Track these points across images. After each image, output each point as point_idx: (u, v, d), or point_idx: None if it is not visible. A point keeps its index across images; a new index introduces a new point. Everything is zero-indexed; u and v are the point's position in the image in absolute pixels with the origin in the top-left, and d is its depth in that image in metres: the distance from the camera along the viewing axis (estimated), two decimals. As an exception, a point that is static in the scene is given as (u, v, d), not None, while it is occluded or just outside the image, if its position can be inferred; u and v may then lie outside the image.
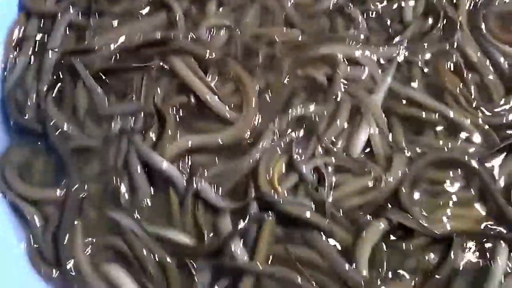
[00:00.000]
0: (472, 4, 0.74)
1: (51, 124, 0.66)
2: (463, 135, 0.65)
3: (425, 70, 0.69)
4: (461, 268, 0.58)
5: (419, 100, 0.67)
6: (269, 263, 0.58)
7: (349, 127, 0.65)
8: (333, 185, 0.62)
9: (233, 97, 0.68)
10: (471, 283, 0.57)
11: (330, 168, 0.62)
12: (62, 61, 0.69)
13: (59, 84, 0.69)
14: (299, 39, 0.71)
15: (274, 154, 0.63)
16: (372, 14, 0.73)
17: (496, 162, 0.63)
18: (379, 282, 0.57)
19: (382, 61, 0.69)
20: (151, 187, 0.62)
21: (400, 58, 0.69)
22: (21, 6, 0.75)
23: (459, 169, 0.63)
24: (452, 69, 0.69)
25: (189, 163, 0.63)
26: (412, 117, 0.66)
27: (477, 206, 0.62)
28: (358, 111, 0.66)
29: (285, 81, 0.68)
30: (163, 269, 0.59)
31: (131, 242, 0.59)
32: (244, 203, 0.60)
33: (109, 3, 0.74)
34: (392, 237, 0.60)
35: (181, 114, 0.66)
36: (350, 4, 0.73)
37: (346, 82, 0.68)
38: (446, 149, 0.64)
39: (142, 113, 0.66)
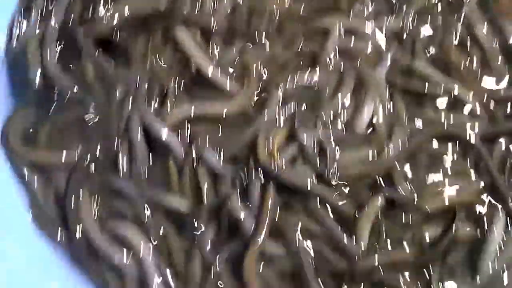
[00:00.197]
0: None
1: (58, 89, 0.66)
2: (466, 110, 0.65)
3: (430, 45, 0.69)
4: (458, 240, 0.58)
5: (424, 72, 0.66)
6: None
7: (354, 102, 0.65)
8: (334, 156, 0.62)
9: (235, 65, 0.67)
10: (467, 254, 0.58)
11: (332, 140, 0.63)
12: (67, 29, 0.69)
13: (62, 50, 0.69)
14: (301, 12, 0.70)
15: (275, 125, 0.63)
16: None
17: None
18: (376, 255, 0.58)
19: (386, 35, 0.69)
20: (150, 155, 0.63)
21: (404, 32, 0.69)
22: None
23: (457, 143, 0.63)
24: (457, 44, 0.69)
25: (190, 132, 0.63)
26: (414, 90, 0.66)
27: (474, 178, 0.62)
28: (362, 85, 0.66)
29: (287, 52, 0.68)
30: (163, 236, 0.60)
31: (133, 208, 0.61)
32: (245, 169, 0.61)
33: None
34: (391, 210, 0.60)
35: (183, 84, 0.66)
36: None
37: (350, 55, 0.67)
38: (447, 124, 0.64)
39: (146, 80, 0.66)
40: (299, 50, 0.68)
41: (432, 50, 0.68)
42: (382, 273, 0.57)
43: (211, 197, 0.61)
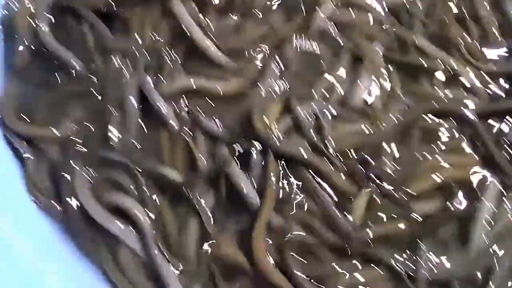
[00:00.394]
0: None
1: (56, 59, 0.65)
2: (463, 85, 0.65)
3: (428, 19, 0.69)
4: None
5: (421, 46, 0.66)
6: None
7: (351, 76, 0.65)
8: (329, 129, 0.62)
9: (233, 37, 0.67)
10: (460, 227, 0.58)
11: (327, 113, 0.63)
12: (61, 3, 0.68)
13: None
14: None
15: (271, 97, 0.63)
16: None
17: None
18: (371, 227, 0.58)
19: (385, 9, 0.68)
20: (144, 127, 0.63)
21: (403, 7, 0.68)
22: None
23: (452, 119, 0.63)
24: (456, 19, 0.69)
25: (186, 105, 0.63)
26: (411, 65, 0.66)
27: (469, 153, 0.62)
28: (359, 59, 0.66)
29: (286, 26, 0.68)
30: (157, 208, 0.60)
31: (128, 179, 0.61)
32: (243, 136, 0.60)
33: None
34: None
35: (180, 57, 0.66)
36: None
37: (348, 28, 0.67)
38: (443, 100, 0.64)
39: (144, 50, 0.65)
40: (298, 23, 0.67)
41: (430, 25, 0.69)
42: (374, 247, 0.57)
43: (207, 167, 0.60)
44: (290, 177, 0.60)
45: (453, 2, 0.69)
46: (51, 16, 0.68)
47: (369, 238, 0.56)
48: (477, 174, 0.60)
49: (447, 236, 0.58)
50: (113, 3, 0.67)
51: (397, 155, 0.61)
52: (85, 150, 0.63)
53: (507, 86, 0.65)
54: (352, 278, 0.55)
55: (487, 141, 0.61)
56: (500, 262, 0.56)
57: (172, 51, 0.65)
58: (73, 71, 0.65)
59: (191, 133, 0.62)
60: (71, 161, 0.62)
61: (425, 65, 0.65)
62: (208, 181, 0.60)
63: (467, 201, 0.59)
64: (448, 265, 0.56)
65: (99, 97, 0.64)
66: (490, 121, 0.63)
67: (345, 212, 0.58)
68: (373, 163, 0.60)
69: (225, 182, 0.59)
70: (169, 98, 0.63)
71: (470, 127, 0.62)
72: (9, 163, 0.64)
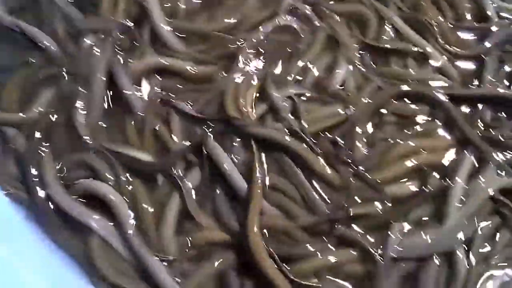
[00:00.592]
0: None
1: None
2: (436, 68, 0.65)
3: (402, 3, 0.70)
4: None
5: (398, 26, 0.67)
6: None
7: (329, 58, 0.65)
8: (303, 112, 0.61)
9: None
10: (435, 207, 0.58)
11: (303, 98, 0.62)
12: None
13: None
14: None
15: (246, 81, 0.63)
16: None
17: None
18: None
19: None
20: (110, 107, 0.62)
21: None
22: None
23: (425, 102, 0.63)
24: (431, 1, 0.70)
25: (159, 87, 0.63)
26: (384, 48, 0.66)
27: (444, 137, 0.62)
28: (334, 43, 0.66)
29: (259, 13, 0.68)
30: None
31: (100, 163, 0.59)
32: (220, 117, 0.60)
33: None
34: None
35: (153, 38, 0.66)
36: None
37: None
38: (415, 82, 0.64)
39: (114, 30, 0.65)
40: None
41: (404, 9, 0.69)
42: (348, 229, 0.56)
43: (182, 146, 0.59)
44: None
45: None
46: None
47: (345, 217, 0.56)
48: (451, 155, 0.60)
49: (423, 216, 0.57)
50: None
51: (370, 138, 0.61)
52: (54, 134, 0.61)
53: (478, 69, 0.66)
54: (325, 259, 0.55)
55: (459, 119, 0.61)
56: (476, 235, 0.55)
57: (144, 32, 0.65)
58: (47, 52, 0.65)
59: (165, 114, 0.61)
60: (38, 148, 0.60)
61: (398, 48, 0.66)
62: (186, 162, 0.59)
63: (441, 181, 0.58)
64: (423, 242, 0.55)
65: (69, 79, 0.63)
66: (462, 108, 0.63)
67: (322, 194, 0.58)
68: (342, 144, 0.60)
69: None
70: (138, 77, 0.62)
71: (443, 111, 0.62)
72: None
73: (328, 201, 0.57)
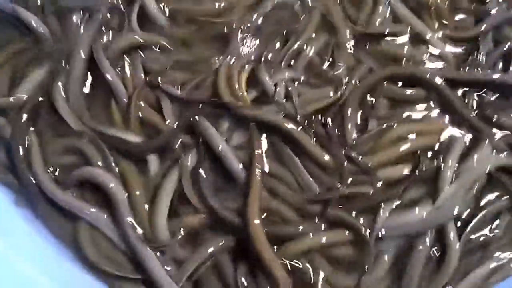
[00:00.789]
0: None
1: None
2: (432, 50, 0.65)
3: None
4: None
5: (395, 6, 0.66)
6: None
7: (323, 41, 0.65)
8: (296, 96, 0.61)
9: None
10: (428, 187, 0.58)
11: (295, 83, 0.62)
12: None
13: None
14: None
15: (239, 64, 0.62)
16: None
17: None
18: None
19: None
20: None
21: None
22: None
23: (419, 85, 0.62)
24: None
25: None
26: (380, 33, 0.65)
27: (438, 120, 0.61)
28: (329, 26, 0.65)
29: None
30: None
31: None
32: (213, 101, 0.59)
33: None
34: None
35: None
36: None
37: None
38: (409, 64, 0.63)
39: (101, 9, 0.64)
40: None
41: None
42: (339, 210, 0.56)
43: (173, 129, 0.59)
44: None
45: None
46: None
47: (338, 197, 0.56)
48: (444, 137, 0.60)
49: (416, 197, 0.57)
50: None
51: (362, 121, 0.61)
52: (40, 117, 0.60)
53: (474, 53, 0.64)
54: (316, 238, 0.54)
55: (454, 99, 0.60)
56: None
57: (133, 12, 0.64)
58: (35, 33, 0.64)
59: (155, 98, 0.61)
60: (26, 130, 0.59)
61: (390, 31, 0.65)
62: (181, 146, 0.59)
63: (435, 161, 0.58)
64: (415, 218, 0.55)
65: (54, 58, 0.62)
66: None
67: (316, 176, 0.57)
68: (331, 125, 0.59)
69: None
70: (118, 57, 0.61)
71: (437, 93, 0.62)
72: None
73: (322, 183, 0.57)
